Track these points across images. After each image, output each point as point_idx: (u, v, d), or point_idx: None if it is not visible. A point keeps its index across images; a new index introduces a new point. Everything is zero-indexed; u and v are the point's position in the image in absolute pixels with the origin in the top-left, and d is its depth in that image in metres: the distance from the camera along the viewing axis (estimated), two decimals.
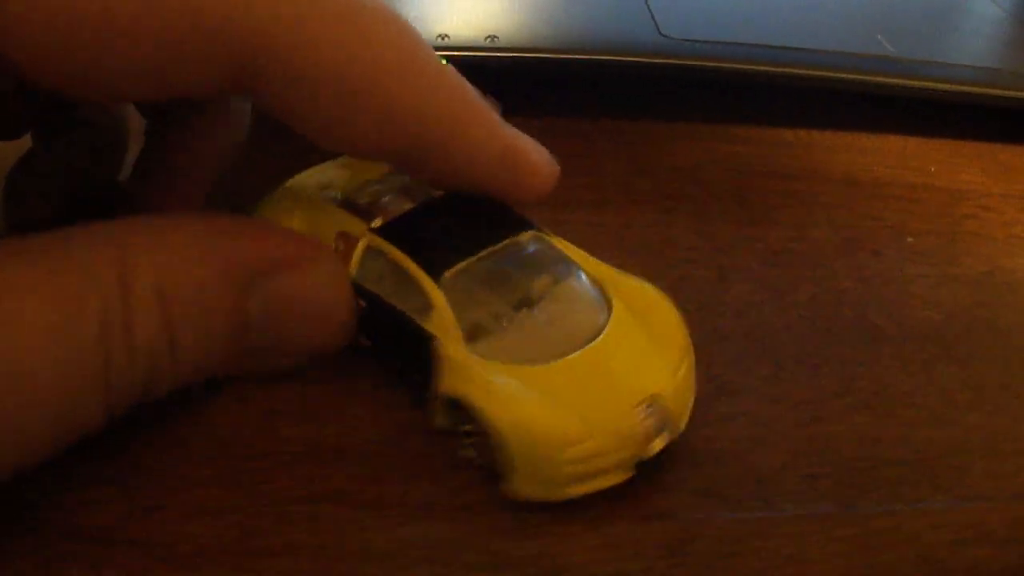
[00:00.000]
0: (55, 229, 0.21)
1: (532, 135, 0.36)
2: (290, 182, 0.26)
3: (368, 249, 0.23)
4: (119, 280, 0.20)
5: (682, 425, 0.22)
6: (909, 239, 0.32)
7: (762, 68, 0.35)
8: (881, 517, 0.22)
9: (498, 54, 0.35)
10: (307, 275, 0.23)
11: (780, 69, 0.36)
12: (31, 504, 0.21)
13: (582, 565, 0.21)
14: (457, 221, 0.24)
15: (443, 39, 0.35)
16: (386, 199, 0.25)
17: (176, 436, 0.23)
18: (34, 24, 0.19)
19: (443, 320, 0.22)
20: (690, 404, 0.23)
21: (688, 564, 0.21)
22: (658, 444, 0.22)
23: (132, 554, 0.20)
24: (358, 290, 0.23)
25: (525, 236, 0.24)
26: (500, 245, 0.23)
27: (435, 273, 0.22)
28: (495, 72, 0.34)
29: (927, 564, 0.21)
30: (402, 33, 0.23)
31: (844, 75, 0.36)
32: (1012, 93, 0.37)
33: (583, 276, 0.24)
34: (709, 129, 0.38)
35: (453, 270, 0.23)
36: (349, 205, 0.25)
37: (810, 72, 0.36)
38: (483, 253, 0.23)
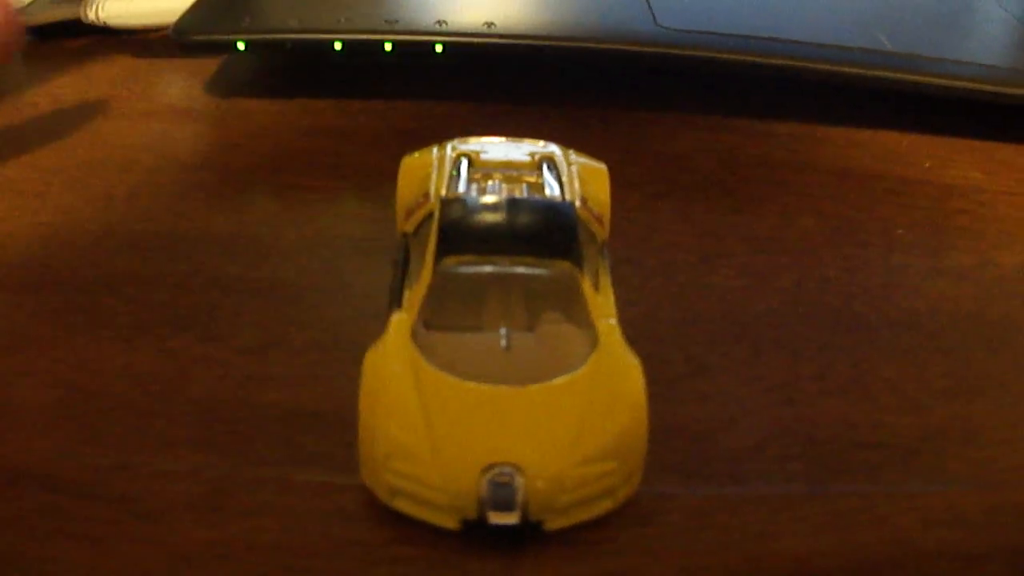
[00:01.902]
0: None
1: (526, 122, 0.37)
2: (464, 139, 0.28)
3: (429, 214, 0.24)
4: None
5: (559, 521, 0.20)
6: (898, 231, 0.32)
7: (758, 60, 0.35)
8: (852, 498, 0.22)
9: (495, 41, 0.35)
10: None
11: (776, 61, 0.36)
12: (8, 456, 0.22)
13: (549, 531, 0.20)
14: (511, 221, 0.23)
15: (441, 24, 0.36)
16: (494, 182, 0.26)
17: (156, 398, 0.24)
18: None
19: (415, 297, 0.23)
20: (592, 507, 0.21)
21: (654, 535, 0.21)
22: (498, 518, 0.19)
23: (107, 508, 0.21)
24: (404, 244, 0.25)
25: (560, 265, 0.23)
26: (525, 260, 0.23)
27: (440, 255, 0.23)
28: (492, 59, 0.35)
29: (896, 545, 0.21)
30: None
31: (839, 68, 0.36)
32: (1010, 90, 0.37)
33: (581, 329, 0.22)
34: (702, 119, 0.38)
35: (456, 259, 0.23)
36: (466, 173, 0.26)
37: (805, 65, 0.36)
38: (501, 259, 0.23)
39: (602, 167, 0.28)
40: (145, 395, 0.24)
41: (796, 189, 0.34)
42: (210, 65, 0.41)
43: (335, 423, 0.23)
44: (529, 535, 0.20)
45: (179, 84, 0.40)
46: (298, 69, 0.41)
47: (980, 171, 0.36)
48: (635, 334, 0.23)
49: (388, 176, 0.29)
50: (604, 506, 0.21)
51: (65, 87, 0.39)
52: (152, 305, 0.27)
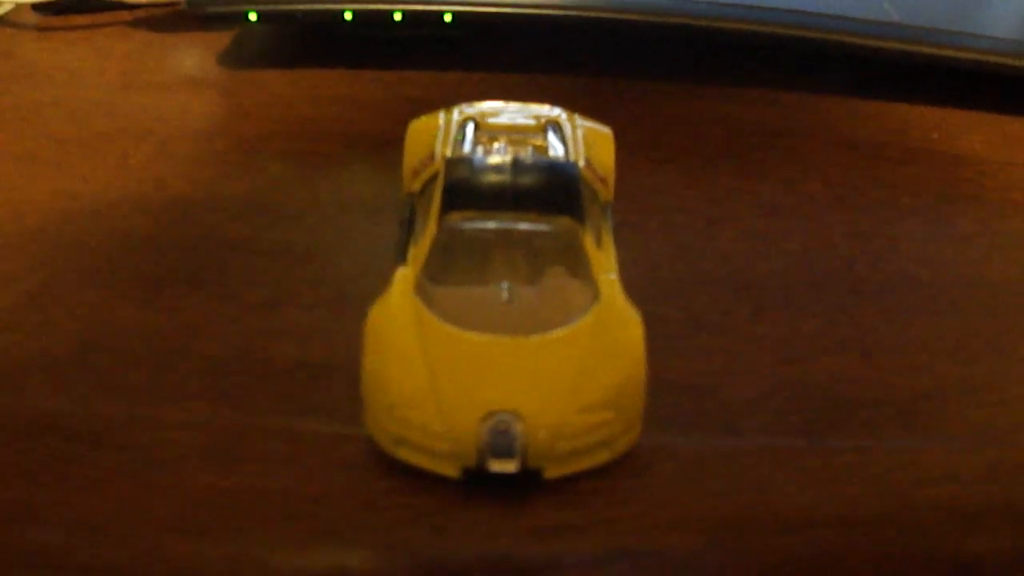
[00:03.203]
0: None
1: (537, 91, 0.37)
2: (471, 104, 0.29)
3: (435, 174, 0.25)
4: None
5: (558, 469, 0.21)
6: (903, 198, 0.32)
7: (758, 29, 0.36)
8: (849, 453, 0.22)
9: (505, 11, 0.35)
10: None
11: (775, 31, 0.36)
12: (24, 407, 0.22)
13: (547, 480, 0.21)
14: (515, 179, 0.24)
15: None
16: (499, 144, 0.26)
17: (168, 353, 0.24)
18: None
19: (420, 252, 0.23)
20: (591, 456, 0.21)
21: (651, 485, 0.21)
22: (498, 465, 0.20)
23: (119, 456, 0.21)
24: (410, 203, 0.26)
25: (563, 221, 0.23)
26: (529, 216, 0.23)
27: (444, 210, 0.23)
28: (502, 29, 0.35)
29: (891, 499, 0.21)
30: None
31: (842, 38, 0.36)
32: (1019, 62, 0.37)
33: (582, 284, 0.22)
34: (709, 90, 0.38)
35: (461, 215, 0.23)
36: (472, 136, 0.27)
37: (806, 34, 0.36)
38: (505, 215, 0.23)
39: (607, 131, 0.28)
40: (158, 350, 0.24)
41: (802, 157, 0.34)
42: (223, 39, 0.42)
43: (342, 375, 0.24)
44: (528, 483, 0.21)
45: (193, 57, 0.40)
46: (310, 40, 0.41)
47: (987, 143, 0.36)
48: (636, 292, 0.23)
49: (397, 143, 0.30)
50: (603, 456, 0.21)
51: (80, 61, 0.40)
52: (166, 266, 0.27)
